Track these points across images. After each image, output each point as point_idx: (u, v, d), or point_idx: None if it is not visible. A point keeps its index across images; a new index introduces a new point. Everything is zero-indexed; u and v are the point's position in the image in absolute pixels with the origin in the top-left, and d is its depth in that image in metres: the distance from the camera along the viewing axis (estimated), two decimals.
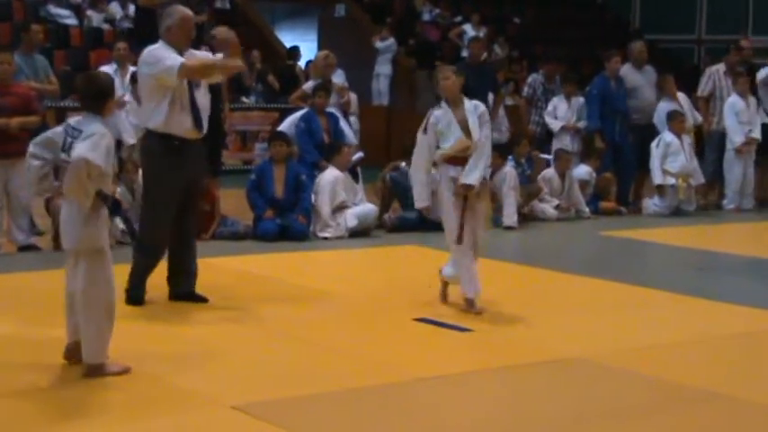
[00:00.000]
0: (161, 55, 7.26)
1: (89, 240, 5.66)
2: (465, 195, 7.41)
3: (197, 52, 7.72)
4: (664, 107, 13.52)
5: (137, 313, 7.30)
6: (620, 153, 13.45)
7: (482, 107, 7.75)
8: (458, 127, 7.48)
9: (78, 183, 5.50)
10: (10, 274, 8.51)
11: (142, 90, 7.65)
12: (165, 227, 7.45)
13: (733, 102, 13.75)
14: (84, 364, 5.71)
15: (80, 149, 5.48)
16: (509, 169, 11.79)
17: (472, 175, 7.41)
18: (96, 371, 5.68)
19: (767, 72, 14.35)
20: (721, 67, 14.23)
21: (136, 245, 7.92)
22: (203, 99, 7.49)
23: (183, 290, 7.67)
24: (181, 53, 7.32)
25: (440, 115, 7.53)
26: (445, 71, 7.88)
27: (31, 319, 7.01)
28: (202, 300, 7.63)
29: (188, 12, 7.58)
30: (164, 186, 7.40)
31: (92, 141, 5.51)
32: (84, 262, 5.65)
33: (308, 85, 12.44)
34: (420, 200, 7.63)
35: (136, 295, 7.48)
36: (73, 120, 5.76)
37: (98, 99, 5.71)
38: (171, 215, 7.41)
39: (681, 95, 13.76)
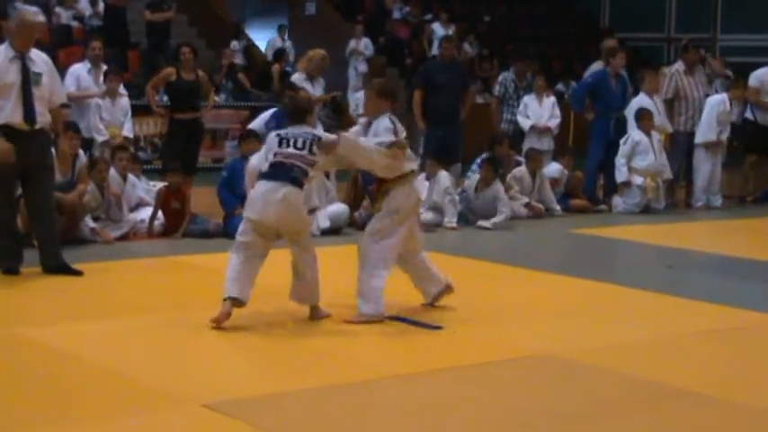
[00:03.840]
0: None
1: (310, 222, 7.28)
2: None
3: (40, 53, 8.49)
4: (638, 102, 13.57)
5: (100, 312, 7.29)
6: (610, 152, 13.42)
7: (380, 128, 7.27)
8: None
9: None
10: None
11: None
12: (5, 201, 8.36)
13: (721, 100, 13.85)
14: (312, 306, 7.12)
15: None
16: (443, 174, 11.76)
17: None
18: (317, 310, 7.11)
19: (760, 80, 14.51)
20: (680, 66, 14.26)
21: None
22: (44, 93, 8.29)
23: (54, 263, 8.37)
24: (22, 55, 8.22)
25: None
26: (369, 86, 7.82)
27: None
28: (76, 272, 8.32)
29: (28, 18, 8.35)
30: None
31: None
32: (304, 239, 7.04)
33: (296, 77, 12.52)
34: None
35: (7, 267, 8.33)
36: (284, 131, 7.08)
37: (300, 114, 7.18)
38: (9, 194, 8.40)
39: (656, 99, 13.80)
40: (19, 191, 8.57)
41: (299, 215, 6.88)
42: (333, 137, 7.07)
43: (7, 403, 5.31)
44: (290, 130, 7.04)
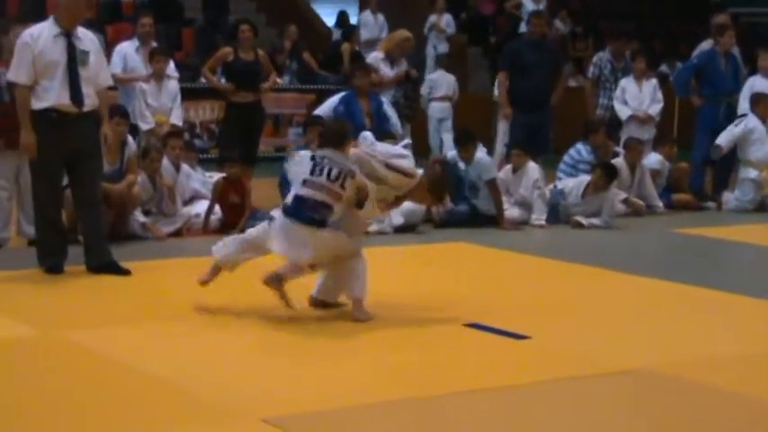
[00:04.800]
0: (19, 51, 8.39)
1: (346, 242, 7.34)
2: None
3: (87, 32, 8.68)
4: (753, 84, 13.39)
5: (150, 315, 7.37)
6: None
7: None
8: None
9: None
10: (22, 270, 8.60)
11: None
12: (51, 192, 8.53)
13: None
14: (355, 299, 7.31)
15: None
16: (532, 165, 11.75)
17: None
18: (359, 305, 7.27)
19: None
20: None
21: (34, 215, 8.82)
22: (91, 74, 8.46)
23: (99, 260, 8.52)
24: (68, 32, 8.37)
25: None
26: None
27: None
28: (124, 272, 8.47)
29: None
30: (44, 156, 8.37)
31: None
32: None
33: (373, 56, 12.59)
34: None
35: (50, 264, 8.49)
36: (320, 152, 7.32)
37: (339, 139, 7.33)
38: (54, 183, 8.54)
39: None
40: (65, 181, 8.71)
41: (337, 246, 7.23)
42: (366, 184, 7.29)
43: (57, 413, 5.39)
44: (327, 155, 7.27)
